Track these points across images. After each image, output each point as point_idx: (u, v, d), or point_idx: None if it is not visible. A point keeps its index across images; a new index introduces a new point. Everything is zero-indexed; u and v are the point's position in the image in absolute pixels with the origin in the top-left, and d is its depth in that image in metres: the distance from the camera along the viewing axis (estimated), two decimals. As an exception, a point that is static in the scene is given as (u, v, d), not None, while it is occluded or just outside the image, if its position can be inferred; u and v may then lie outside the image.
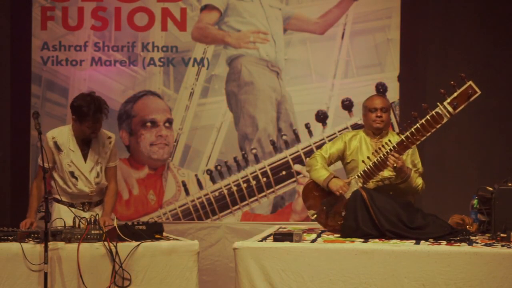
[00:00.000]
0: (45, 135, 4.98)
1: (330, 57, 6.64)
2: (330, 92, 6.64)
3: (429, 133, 4.81)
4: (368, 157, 4.93)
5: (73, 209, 4.98)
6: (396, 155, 4.83)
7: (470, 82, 4.75)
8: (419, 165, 5.11)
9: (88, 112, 4.89)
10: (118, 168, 5.27)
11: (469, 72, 5.35)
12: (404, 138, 4.83)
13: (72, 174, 5.02)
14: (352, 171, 5.09)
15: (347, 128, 6.57)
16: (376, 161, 4.88)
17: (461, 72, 4.81)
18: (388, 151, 4.85)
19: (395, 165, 4.84)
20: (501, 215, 4.68)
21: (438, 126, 4.79)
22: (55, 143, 5.03)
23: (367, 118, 5.11)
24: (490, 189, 4.89)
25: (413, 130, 4.81)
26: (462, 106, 4.76)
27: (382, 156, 4.87)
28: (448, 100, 4.75)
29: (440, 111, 4.77)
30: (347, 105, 6.59)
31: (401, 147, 4.85)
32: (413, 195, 5.09)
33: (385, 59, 6.60)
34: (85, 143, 5.05)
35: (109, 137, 5.13)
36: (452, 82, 4.75)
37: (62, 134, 5.06)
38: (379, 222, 4.64)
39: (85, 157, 5.05)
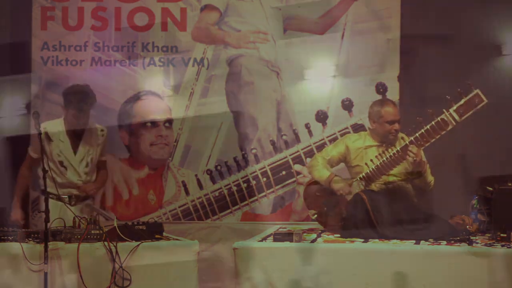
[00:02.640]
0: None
1: (330, 57, 6.64)
2: (330, 92, 6.64)
3: (433, 139, 4.80)
4: (371, 160, 4.91)
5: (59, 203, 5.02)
6: (414, 150, 4.80)
7: (477, 91, 4.74)
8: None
9: (72, 100, 5.03)
10: (118, 168, 5.31)
11: (469, 72, 5.34)
12: (408, 143, 4.82)
13: (61, 163, 5.07)
14: (357, 176, 5.07)
15: (347, 128, 6.56)
16: (379, 164, 4.87)
17: (459, 72, 4.81)
18: (392, 155, 4.84)
19: (415, 158, 4.81)
20: (501, 215, 4.68)
21: (442, 133, 4.79)
22: (46, 133, 5.09)
23: (382, 128, 5.04)
24: (490, 189, 4.88)
25: (418, 136, 4.80)
26: (468, 114, 4.75)
27: (385, 159, 4.86)
28: (454, 107, 4.75)
29: (445, 118, 4.76)
30: (347, 105, 6.58)
31: (405, 152, 4.84)
32: (424, 191, 5.07)
33: (385, 59, 6.59)
34: (77, 135, 5.09)
35: (102, 130, 5.20)
36: (458, 90, 4.74)
37: (53, 125, 5.17)
38: (379, 228, 4.63)
39: (75, 148, 5.10)
